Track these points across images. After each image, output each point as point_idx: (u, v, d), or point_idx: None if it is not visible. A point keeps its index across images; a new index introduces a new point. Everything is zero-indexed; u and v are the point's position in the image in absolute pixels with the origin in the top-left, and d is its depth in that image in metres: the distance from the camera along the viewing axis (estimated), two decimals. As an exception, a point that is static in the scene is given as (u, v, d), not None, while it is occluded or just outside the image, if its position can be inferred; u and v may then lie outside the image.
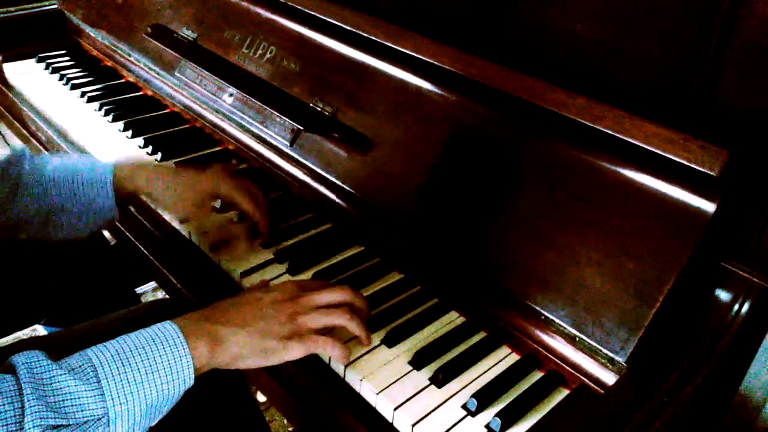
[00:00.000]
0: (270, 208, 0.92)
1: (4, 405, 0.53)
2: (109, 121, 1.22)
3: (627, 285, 0.69)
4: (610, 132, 0.73)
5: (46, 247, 1.12)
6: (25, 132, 1.28)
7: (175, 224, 0.96)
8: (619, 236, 0.71)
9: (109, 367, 0.59)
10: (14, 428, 0.53)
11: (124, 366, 0.59)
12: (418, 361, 0.73)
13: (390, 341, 0.75)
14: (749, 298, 0.69)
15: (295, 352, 0.69)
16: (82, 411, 0.56)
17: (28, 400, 0.53)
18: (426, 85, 0.90)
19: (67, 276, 1.14)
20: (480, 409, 0.68)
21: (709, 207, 0.67)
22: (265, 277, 0.84)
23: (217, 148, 1.16)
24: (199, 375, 0.64)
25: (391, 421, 0.68)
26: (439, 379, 0.71)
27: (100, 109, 1.25)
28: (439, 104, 0.89)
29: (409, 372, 0.72)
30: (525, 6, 0.89)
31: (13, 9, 1.50)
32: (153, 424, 0.63)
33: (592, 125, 0.74)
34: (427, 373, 0.72)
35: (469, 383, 0.72)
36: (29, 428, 0.53)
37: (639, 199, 0.71)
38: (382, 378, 0.71)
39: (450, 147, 0.87)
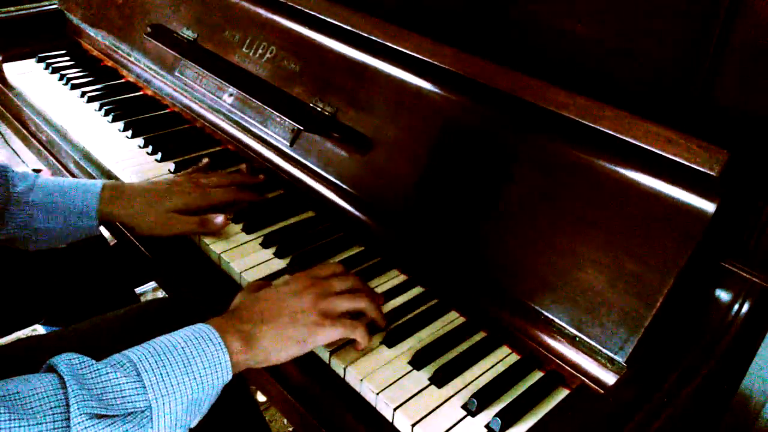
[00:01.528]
0: (269, 207, 0.92)
1: (49, 397, 0.54)
2: (109, 121, 1.22)
3: (627, 285, 0.69)
4: (610, 132, 0.73)
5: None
6: (25, 132, 1.28)
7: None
8: (619, 236, 0.71)
9: (148, 362, 0.60)
10: (61, 417, 0.54)
11: (162, 361, 0.60)
12: (418, 361, 0.73)
13: (390, 341, 0.75)
14: (749, 298, 0.69)
15: (327, 334, 0.71)
16: (125, 402, 0.57)
17: (72, 390, 0.54)
18: (426, 85, 0.90)
19: (67, 276, 1.13)
20: (480, 409, 0.68)
21: (709, 207, 0.67)
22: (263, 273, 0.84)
23: (217, 148, 1.16)
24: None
25: (391, 421, 0.68)
26: (439, 379, 0.71)
27: (100, 109, 1.25)
28: (440, 104, 0.89)
29: (409, 372, 0.72)
30: (525, 6, 0.89)
31: (13, 9, 1.50)
32: (193, 425, 0.63)
33: (592, 125, 0.74)
34: (427, 373, 0.72)
35: (469, 383, 0.72)
36: (75, 416, 0.53)
37: (639, 199, 0.71)
38: (382, 378, 0.71)
39: (450, 147, 0.87)
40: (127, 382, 0.58)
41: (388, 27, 0.94)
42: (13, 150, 2.09)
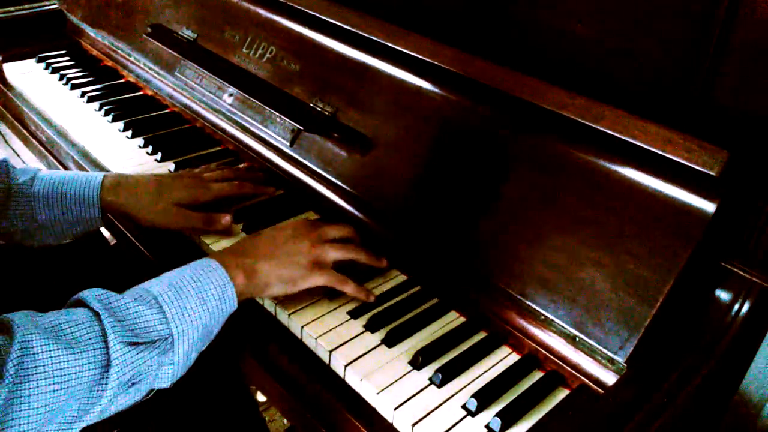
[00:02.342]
0: (269, 207, 0.93)
1: (87, 329, 0.61)
2: (109, 121, 1.22)
3: (627, 285, 0.69)
4: (610, 132, 0.73)
5: (45, 248, 1.12)
6: (25, 132, 1.29)
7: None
8: (619, 236, 0.71)
9: (167, 295, 0.67)
10: (101, 346, 0.60)
11: (179, 294, 0.67)
12: (418, 361, 0.73)
13: (390, 341, 0.75)
14: (749, 298, 0.69)
15: (315, 279, 0.78)
16: (151, 331, 0.64)
17: (108, 322, 0.61)
18: (426, 85, 0.90)
19: (67, 276, 1.13)
20: (480, 409, 0.68)
21: (709, 207, 0.67)
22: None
23: (217, 148, 1.16)
24: (192, 368, 0.69)
25: (391, 421, 0.68)
26: (439, 379, 0.71)
27: (100, 109, 1.25)
28: (440, 104, 0.89)
29: (409, 372, 0.72)
30: (525, 6, 0.89)
31: (13, 9, 1.50)
32: (204, 347, 0.70)
33: (592, 125, 0.74)
34: (427, 373, 0.72)
35: (469, 383, 0.72)
36: (113, 344, 0.60)
37: (639, 199, 0.71)
38: (382, 378, 0.71)
39: (450, 147, 0.87)
40: (151, 314, 0.64)
41: (388, 27, 0.94)
42: (13, 150, 2.09)
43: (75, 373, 0.58)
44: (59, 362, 0.57)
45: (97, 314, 0.62)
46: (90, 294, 0.64)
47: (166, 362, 0.65)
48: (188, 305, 0.67)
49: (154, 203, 0.90)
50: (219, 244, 0.90)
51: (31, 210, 0.88)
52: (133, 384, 0.63)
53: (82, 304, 0.64)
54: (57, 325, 0.60)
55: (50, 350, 0.57)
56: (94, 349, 0.60)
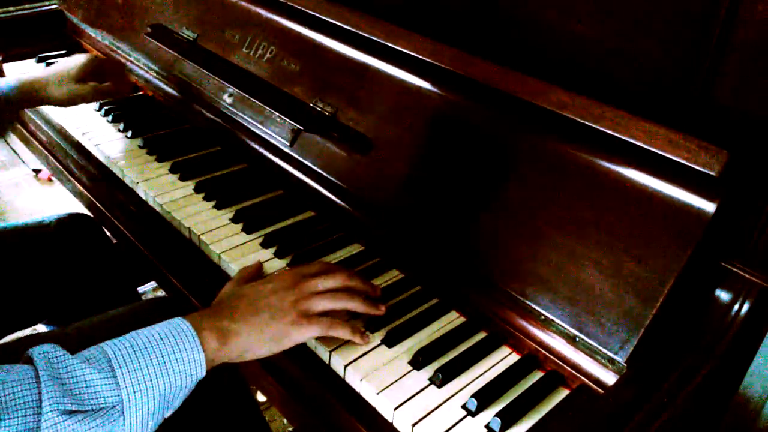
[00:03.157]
0: (269, 207, 0.93)
1: (22, 391, 0.55)
2: (109, 121, 1.22)
3: (627, 285, 0.69)
4: (610, 132, 0.73)
5: (48, 247, 1.12)
6: (24, 132, 1.29)
7: (175, 224, 0.96)
8: (619, 236, 0.71)
9: (123, 357, 0.60)
10: (33, 412, 0.54)
11: (137, 356, 0.61)
12: (418, 361, 0.73)
13: (390, 341, 0.75)
14: (749, 298, 0.69)
15: (303, 333, 0.71)
16: (96, 398, 0.57)
17: (45, 386, 0.55)
18: (426, 85, 0.90)
19: (68, 276, 1.14)
20: (480, 409, 0.68)
21: (709, 207, 0.67)
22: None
23: (217, 148, 1.16)
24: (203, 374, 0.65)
25: (391, 421, 0.68)
26: (439, 379, 0.71)
27: (99, 109, 1.25)
28: (440, 104, 0.89)
29: (409, 372, 0.72)
30: (525, 6, 0.89)
31: (13, 9, 1.50)
32: (165, 416, 0.64)
33: (592, 125, 0.74)
34: (427, 373, 0.72)
35: (469, 383, 0.72)
36: (47, 411, 0.54)
37: (639, 199, 0.71)
38: (382, 378, 0.71)
39: (450, 147, 0.87)
40: (101, 378, 0.58)
41: (388, 27, 0.94)
42: (13, 150, 2.09)
43: None
44: None
45: (37, 375, 0.56)
46: (38, 351, 0.59)
47: None
48: (146, 369, 0.60)
49: (60, 85, 1.11)
50: (217, 245, 0.90)
51: None
52: None
53: (28, 359, 0.59)
54: None
55: None
56: (25, 415, 0.54)
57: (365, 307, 0.77)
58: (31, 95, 1.10)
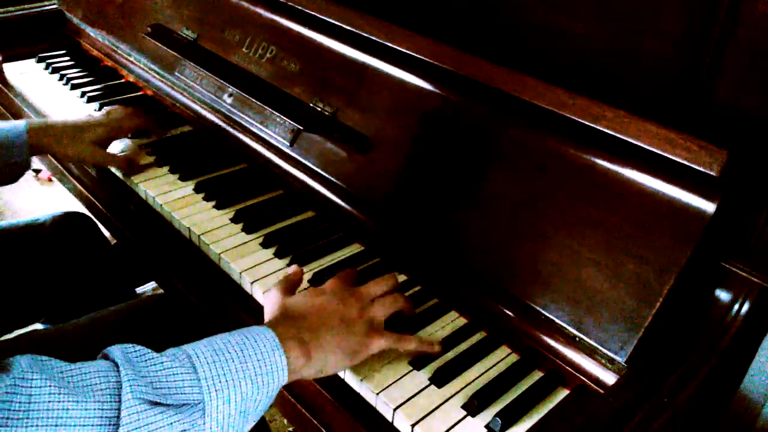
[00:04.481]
0: (269, 207, 0.93)
1: (100, 377, 0.53)
2: (109, 121, 1.22)
3: (627, 285, 0.69)
4: (610, 132, 0.73)
5: (44, 246, 1.12)
6: (25, 132, 1.28)
7: (175, 224, 0.96)
8: (619, 236, 0.71)
9: (204, 357, 0.58)
10: (111, 399, 0.52)
11: (218, 356, 0.59)
12: (418, 361, 0.73)
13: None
14: (749, 298, 0.69)
15: (376, 345, 0.69)
16: (179, 393, 0.55)
17: (126, 373, 0.53)
18: (426, 85, 0.90)
19: (63, 275, 1.13)
20: (480, 409, 0.68)
21: (709, 207, 0.67)
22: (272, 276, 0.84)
23: (217, 148, 1.16)
24: None
25: (391, 421, 0.68)
26: (439, 379, 0.71)
27: (100, 109, 1.25)
28: (440, 104, 0.89)
29: (409, 372, 0.72)
30: (525, 6, 0.89)
31: (13, 9, 1.50)
32: (247, 429, 0.61)
33: (592, 125, 0.74)
34: (427, 373, 0.72)
35: (469, 383, 0.72)
36: (127, 398, 0.52)
37: (639, 198, 0.71)
38: (382, 378, 0.71)
39: (450, 147, 0.87)
40: (182, 373, 0.56)
41: (388, 27, 0.94)
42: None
43: (75, 425, 0.49)
44: (58, 408, 0.49)
45: (116, 365, 0.55)
46: (115, 348, 0.57)
47: None
48: (228, 369, 0.58)
49: (72, 143, 1.02)
50: (217, 245, 0.90)
51: None
52: None
53: (105, 356, 0.57)
54: (67, 371, 0.53)
55: (49, 393, 0.49)
56: (102, 401, 0.51)
57: (409, 304, 0.77)
58: (41, 146, 1.01)
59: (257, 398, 0.59)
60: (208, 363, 0.57)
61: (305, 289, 0.82)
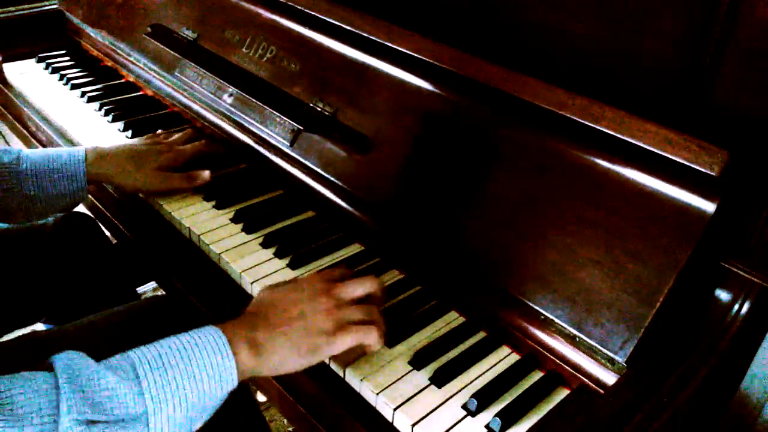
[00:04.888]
0: (269, 207, 0.93)
1: (39, 399, 0.52)
2: (109, 121, 1.22)
3: (627, 285, 0.69)
4: (610, 132, 0.73)
5: (46, 246, 1.12)
6: (25, 132, 1.28)
7: (176, 224, 0.96)
8: (619, 236, 0.71)
9: (149, 365, 0.58)
10: (49, 421, 0.52)
11: (164, 365, 0.58)
12: (418, 361, 0.73)
13: (390, 341, 0.75)
14: (749, 298, 0.69)
15: (341, 344, 0.68)
16: (120, 408, 0.55)
17: (64, 393, 0.53)
18: (426, 85, 0.90)
19: (66, 275, 1.13)
20: (480, 409, 0.68)
21: (709, 207, 0.67)
22: (275, 279, 0.84)
23: (217, 148, 1.16)
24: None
25: (391, 421, 0.68)
26: (439, 379, 0.71)
27: (100, 109, 1.25)
28: (440, 104, 0.89)
29: (409, 372, 0.72)
30: (525, 6, 0.89)
31: (13, 9, 1.50)
32: (194, 429, 0.61)
33: (592, 125, 0.74)
34: (427, 373, 0.72)
35: (469, 383, 0.72)
36: (64, 422, 0.52)
37: (639, 198, 0.71)
38: (382, 378, 0.71)
39: (450, 147, 0.87)
40: (124, 387, 0.56)
41: (388, 27, 0.94)
42: (13, 150, 2.09)
43: None
44: None
45: (57, 383, 0.54)
46: (61, 358, 0.56)
47: None
48: (173, 378, 0.57)
49: (136, 171, 0.98)
50: (217, 245, 0.90)
51: (20, 187, 0.92)
52: None
53: (50, 366, 0.56)
54: (10, 392, 0.52)
55: None
56: (41, 424, 0.51)
57: (382, 324, 0.72)
58: (101, 176, 0.98)
59: (204, 403, 0.60)
60: (152, 371, 0.57)
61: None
